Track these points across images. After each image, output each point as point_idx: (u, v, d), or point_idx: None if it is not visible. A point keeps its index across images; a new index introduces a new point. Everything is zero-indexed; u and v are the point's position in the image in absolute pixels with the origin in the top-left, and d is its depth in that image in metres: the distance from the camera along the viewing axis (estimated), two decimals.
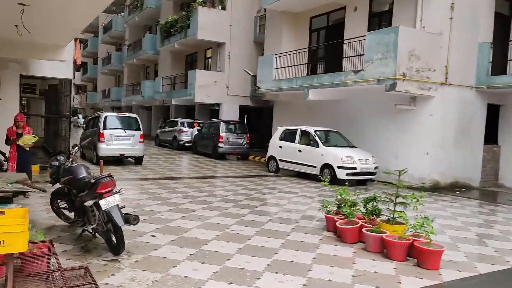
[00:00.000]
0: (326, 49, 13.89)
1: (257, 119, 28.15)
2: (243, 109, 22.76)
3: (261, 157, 18.35)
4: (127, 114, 13.69)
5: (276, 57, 15.21)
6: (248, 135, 17.97)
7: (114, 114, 13.51)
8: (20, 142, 7.36)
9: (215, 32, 21.17)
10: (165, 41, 24.56)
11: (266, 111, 27.42)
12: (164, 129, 23.00)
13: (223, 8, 21.47)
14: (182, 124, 21.42)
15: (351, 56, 12.38)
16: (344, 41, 12.86)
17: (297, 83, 13.91)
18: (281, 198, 9.08)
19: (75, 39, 15.35)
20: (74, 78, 14.09)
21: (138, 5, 29.43)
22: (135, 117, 13.66)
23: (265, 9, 21.38)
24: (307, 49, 14.48)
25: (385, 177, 9.80)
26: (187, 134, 21.01)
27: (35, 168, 10.20)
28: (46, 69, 11.00)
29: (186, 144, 20.83)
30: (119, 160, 14.01)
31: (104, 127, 12.93)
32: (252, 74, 17.58)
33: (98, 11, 6.95)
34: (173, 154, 18.73)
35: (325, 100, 13.71)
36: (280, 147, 13.26)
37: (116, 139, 12.99)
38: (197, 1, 20.66)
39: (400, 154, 11.80)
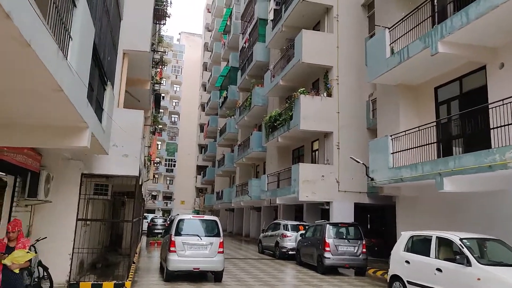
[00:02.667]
0: (463, 120, 10.05)
1: (379, 220, 23.56)
2: (360, 208, 18.86)
3: (385, 272, 13.87)
4: (206, 217, 11.35)
5: (391, 139, 11.75)
6: (364, 242, 13.93)
7: (190, 217, 11.28)
8: (6, 261, 5.20)
9: (321, 121, 18.77)
10: (269, 137, 23.00)
11: (389, 210, 22.84)
12: (266, 234, 20.13)
13: (329, 95, 19.25)
14: (285, 227, 18.32)
15: (506, 125, 8.37)
16: (491, 106, 8.95)
17: (425, 170, 10.06)
18: None
19: (154, 134, 14.54)
20: (144, 175, 12.81)
21: (247, 105, 29.37)
22: (215, 220, 11.19)
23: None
24: (434, 124, 10.76)
25: None
26: (291, 239, 17.72)
27: None
28: (110, 165, 9.49)
29: (290, 252, 17.43)
30: (194, 275, 11.32)
31: (177, 233, 10.64)
32: (361, 163, 14.18)
33: None
34: (271, 266, 15.42)
35: (471, 192, 9.48)
36: (407, 262, 9.12)
37: (190, 249, 10.50)
38: (299, 90, 18.90)
39: None
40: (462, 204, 10.72)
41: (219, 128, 41.11)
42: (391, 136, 11.76)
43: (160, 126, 68.04)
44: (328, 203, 18.58)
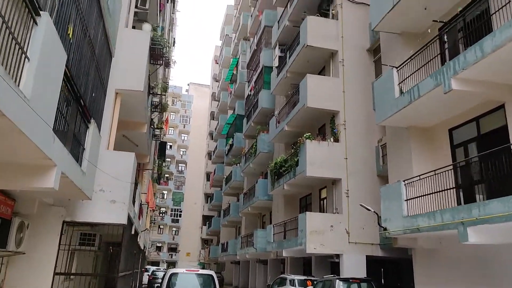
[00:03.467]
0: (484, 163, 9.10)
1: (394, 274, 21.84)
2: (372, 261, 17.43)
3: None
4: (201, 271, 10.25)
5: (405, 184, 10.78)
6: None
7: (183, 271, 10.18)
8: None
9: (328, 168, 17.86)
10: (275, 184, 22.04)
11: (405, 263, 21.21)
12: None
13: (336, 140, 18.50)
14: (292, 283, 16.84)
15: None
16: None
17: (444, 219, 8.99)
18: None
19: (158, 182, 13.74)
20: (139, 224, 11.77)
21: (252, 152, 28.71)
22: (211, 275, 10.08)
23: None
24: (451, 168, 9.82)
25: None
26: None
27: None
28: (95, 212, 8.63)
29: None
30: None
31: None
32: (372, 211, 13.08)
33: None
34: None
35: (503, 244, 8.37)
36: None
37: None
38: (304, 136, 18.21)
39: None
40: (490, 258, 9.51)
41: (225, 176, 40.29)
42: (404, 181, 10.80)
43: (166, 175, 67.47)
44: (338, 255, 17.21)
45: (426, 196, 10.30)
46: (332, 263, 19.34)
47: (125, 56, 9.25)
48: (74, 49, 5.53)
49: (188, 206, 69.13)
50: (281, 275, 19.05)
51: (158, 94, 13.23)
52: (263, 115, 27.66)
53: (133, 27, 11.34)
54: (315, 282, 15.43)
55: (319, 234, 16.90)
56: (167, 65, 24.73)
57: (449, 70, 9.09)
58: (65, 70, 4.91)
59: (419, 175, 10.37)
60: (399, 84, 11.27)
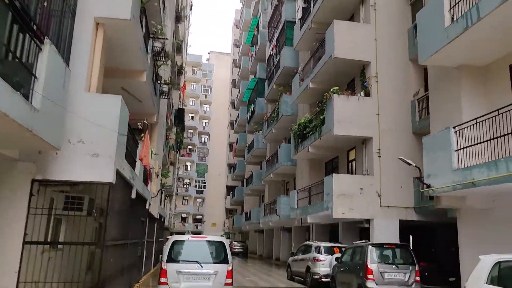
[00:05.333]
0: None
1: (428, 241, 20.02)
2: (405, 227, 15.66)
3: None
4: (210, 238, 8.72)
5: (455, 132, 8.83)
6: (417, 268, 10.83)
7: (188, 237, 8.68)
8: None
9: (358, 125, 15.96)
10: (298, 147, 20.31)
11: (441, 229, 19.30)
12: (296, 257, 17.19)
13: (367, 95, 16.46)
14: (318, 250, 15.37)
15: None
16: None
17: (511, 168, 7.07)
18: None
19: (145, 131, 12.21)
20: (143, 187, 10.22)
21: (274, 116, 26.89)
22: (222, 242, 8.58)
23: (425, 89, 15.66)
24: None
25: None
26: (325, 264, 14.77)
27: None
28: (74, 169, 7.15)
29: (324, 279, 14.46)
30: None
31: (171, 259, 8.10)
32: (413, 165, 11.19)
33: None
34: None
35: None
36: None
37: (187, 280, 7.93)
38: (331, 90, 16.23)
39: None
40: None
41: (247, 145, 38.84)
42: (454, 128, 8.84)
43: (189, 147, 66.74)
44: (368, 220, 15.55)
45: (482, 144, 8.37)
46: (361, 229, 17.72)
47: None
48: None
49: (212, 177, 68.55)
50: (306, 242, 17.59)
51: (159, 38, 11.50)
52: (286, 75, 25.65)
53: None
54: (343, 249, 13.86)
55: (348, 197, 15.23)
56: (178, 19, 22.90)
57: None
58: None
59: (475, 118, 8.39)
60: (450, 9, 9.13)
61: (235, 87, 52.87)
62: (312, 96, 20.26)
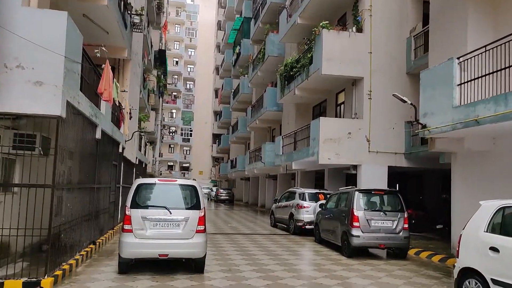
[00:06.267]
0: None
1: (414, 187, 19.71)
2: (392, 174, 15.05)
3: (433, 254, 10.27)
4: (179, 181, 7.73)
5: (459, 63, 7.78)
6: (405, 215, 10.23)
7: (155, 180, 7.71)
8: None
9: (348, 64, 14.77)
10: (285, 90, 19.14)
11: (429, 176, 18.90)
12: (280, 204, 16.64)
13: (359, 30, 15.11)
14: (302, 197, 14.75)
15: None
16: None
17: None
18: None
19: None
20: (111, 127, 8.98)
21: (260, 57, 25.35)
22: (193, 186, 7.62)
23: (424, 24, 14.41)
24: None
25: None
26: (309, 211, 14.21)
27: None
28: (13, 99, 5.98)
29: (307, 227, 13.97)
30: (162, 263, 7.92)
31: (135, 204, 7.18)
32: (409, 102, 10.22)
33: None
34: (282, 245, 11.96)
35: None
36: (494, 249, 5.47)
37: (154, 227, 7.06)
38: (321, 24, 14.83)
39: None
40: None
41: (233, 90, 37.42)
42: (458, 58, 7.76)
43: (174, 94, 64.65)
44: (355, 167, 14.86)
45: (485, 78, 7.38)
46: (348, 176, 17.13)
47: None
48: None
49: (199, 125, 67.40)
50: (290, 189, 16.98)
51: None
52: (273, 12, 23.81)
53: None
54: (328, 196, 13.22)
55: (335, 142, 14.39)
56: None
57: None
58: None
59: (484, 46, 7.28)
60: None
61: (220, 29, 50.30)
62: (301, 33, 18.75)
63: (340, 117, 16.93)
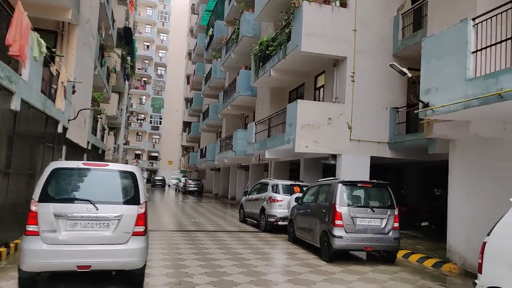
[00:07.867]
0: None
1: (394, 181, 18.41)
2: (372, 166, 13.60)
3: (424, 258, 8.82)
4: (111, 166, 5.78)
5: (474, 25, 6.22)
6: (396, 212, 8.71)
7: (79, 164, 5.75)
8: None
9: (331, 42, 13.17)
10: (259, 72, 17.37)
11: (410, 169, 17.65)
12: (250, 197, 14.93)
13: (343, 5, 13.51)
14: (275, 189, 13.09)
15: None
16: None
17: None
18: None
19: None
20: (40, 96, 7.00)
21: (234, 38, 23.42)
22: (131, 173, 5.66)
23: (412, 1, 12.94)
24: None
25: None
26: (282, 205, 12.57)
27: None
28: None
29: (281, 223, 12.35)
30: (84, 278, 5.94)
31: (45, 197, 5.19)
32: (409, 75, 8.63)
33: None
34: (249, 245, 10.26)
35: None
36: None
37: (72, 227, 5.14)
38: None
39: None
40: None
41: (205, 75, 35.31)
42: (474, 19, 6.19)
43: (144, 79, 61.61)
44: (334, 156, 13.32)
45: (504, 44, 5.86)
46: (325, 167, 15.63)
47: None
48: None
49: (169, 112, 64.72)
50: (262, 180, 15.30)
51: None
52: None
53: None
54: (305, 188, 11.61)
55: (313, 128, 12.79)
56: None
57: None
58: None
59: (508, 2, 5.71)
60: None
61: (194, 13, 47.84)
62: (278, 10, 16.94)
63: (319, 101, 15.32)
